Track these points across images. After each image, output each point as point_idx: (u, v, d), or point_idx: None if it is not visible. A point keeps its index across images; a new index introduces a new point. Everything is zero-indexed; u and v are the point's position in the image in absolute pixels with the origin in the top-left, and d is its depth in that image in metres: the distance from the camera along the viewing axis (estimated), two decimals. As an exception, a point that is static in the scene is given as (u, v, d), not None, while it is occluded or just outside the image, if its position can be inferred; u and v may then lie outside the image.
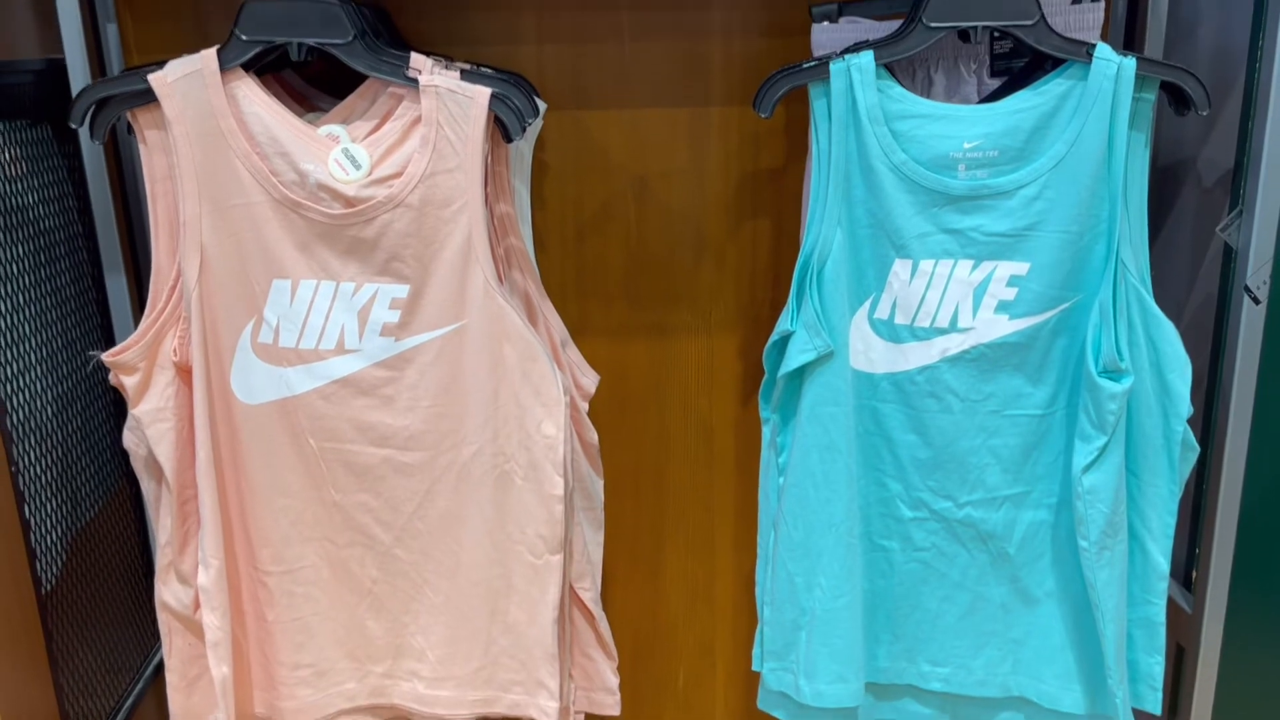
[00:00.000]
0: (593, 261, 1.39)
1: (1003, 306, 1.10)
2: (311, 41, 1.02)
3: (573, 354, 1.23)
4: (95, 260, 1.25)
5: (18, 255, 1.10)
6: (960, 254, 1.09)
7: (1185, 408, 1.08)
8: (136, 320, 1.26)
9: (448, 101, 1.03)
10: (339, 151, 1.04)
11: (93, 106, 1.01)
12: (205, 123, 1.02)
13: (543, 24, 1.30)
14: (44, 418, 1.13)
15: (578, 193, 1.36)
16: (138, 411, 1.08)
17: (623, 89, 1.33)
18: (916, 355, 1.13)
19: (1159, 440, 1.09)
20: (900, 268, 1.10)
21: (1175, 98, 1.05)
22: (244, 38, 1.01)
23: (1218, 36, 1.20)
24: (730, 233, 1.39)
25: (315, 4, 1.02)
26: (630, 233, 1.38)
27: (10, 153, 1.09)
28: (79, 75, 1.18)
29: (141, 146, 1.04)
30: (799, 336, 1.11)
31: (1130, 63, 1.02)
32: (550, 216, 1.37)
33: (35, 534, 1.10)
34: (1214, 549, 1.17)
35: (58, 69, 1.18)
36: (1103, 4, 1.12)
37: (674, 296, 1.40)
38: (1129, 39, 1.29)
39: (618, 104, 1.33)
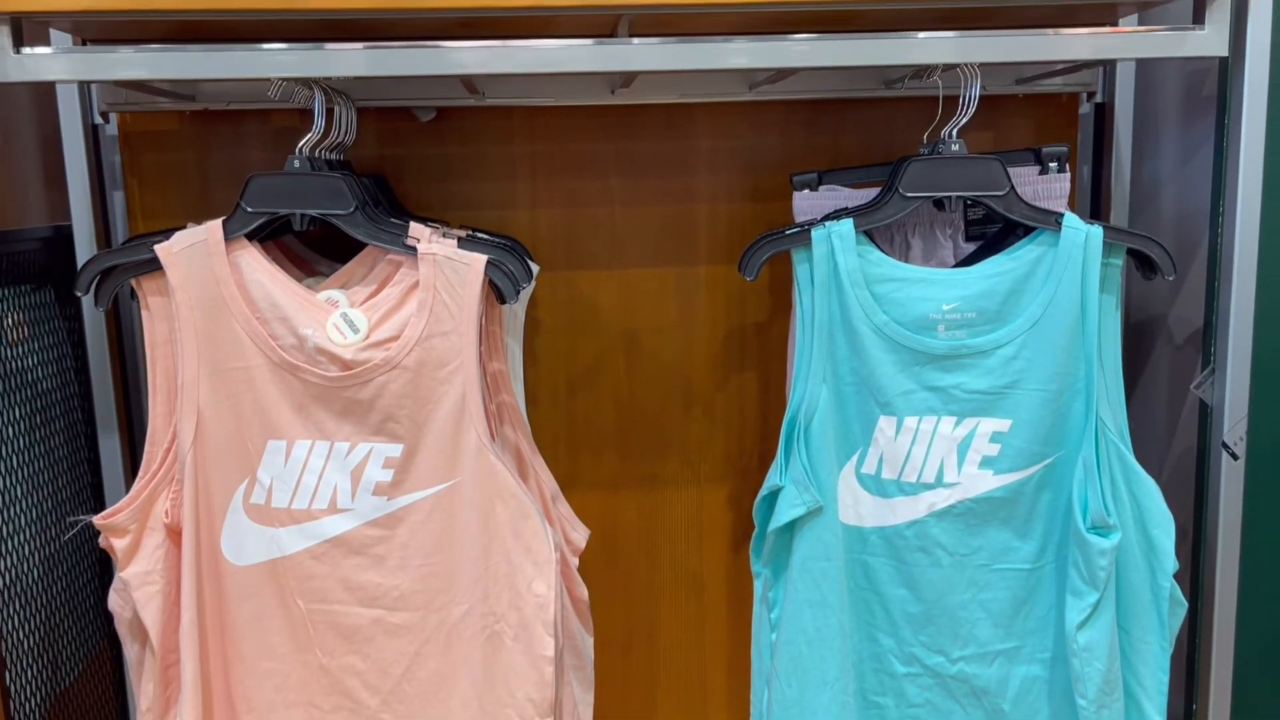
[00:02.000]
0: (584, 415, 1.41)
1: (987, 462, 1.12)
2: (314, 213, 1.07)
3: (563, 508, 1.23)
4: (89, 419, 1.26)
5: (14, 419, 1.11)
6: (943, 411, 1.12)
7: (1171, 563, 1.09)
8: (127, 479, 1.26)
9: (445, 268, 1.06)
10: (338, 316, 1.07)
11: (98, 276, 1.04)
12: (208, 290, 1.05)
13: (536, 189, 1.36)
14: (30, 580, 1.12)
15: (569, 348, 1.39)
16: (126, 574, 1.07)
17: (613, 250, 1.38)
18: (904, 510, 1.14)
19: (1147, 596, 1.10)
20: (885, 424, 1.12)
21: (1142, 263, 1.10)
22: (249, 209, 1.05)
23: (1179, 200, 1.26)
24: (718, 386, 1.41)
25: (319, 177, 1.06)
26: (620, 386, 1.41)
27: (13, 318, 1.12)
28: (85, 241, 1.22)
29: (144, 312, 1.07)
30: (788, 491, 1.12)
31: (1097, 231, 1.07)
32: (543, 371, 1.39)
33: (14, 701, 1.08)
34: (1210, 705, 1.16)
35: (64, 235, 1.22)
36: (1068, 174, 1.18)
37: (663, 449, 1.42)
38: (1095, 202, 1.36)
39: (608, 264, 1.38)
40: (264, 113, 1.28)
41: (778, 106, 1.35)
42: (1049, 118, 1.36)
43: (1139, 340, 1.34)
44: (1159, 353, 1.31)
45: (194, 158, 1.30)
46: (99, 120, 1.25)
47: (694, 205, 1.37)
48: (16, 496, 1.10)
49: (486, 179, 1.35)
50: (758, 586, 1.18)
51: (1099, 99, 1.34)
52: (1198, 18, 1.05)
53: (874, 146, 1.36)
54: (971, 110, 1.08)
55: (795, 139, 1.36)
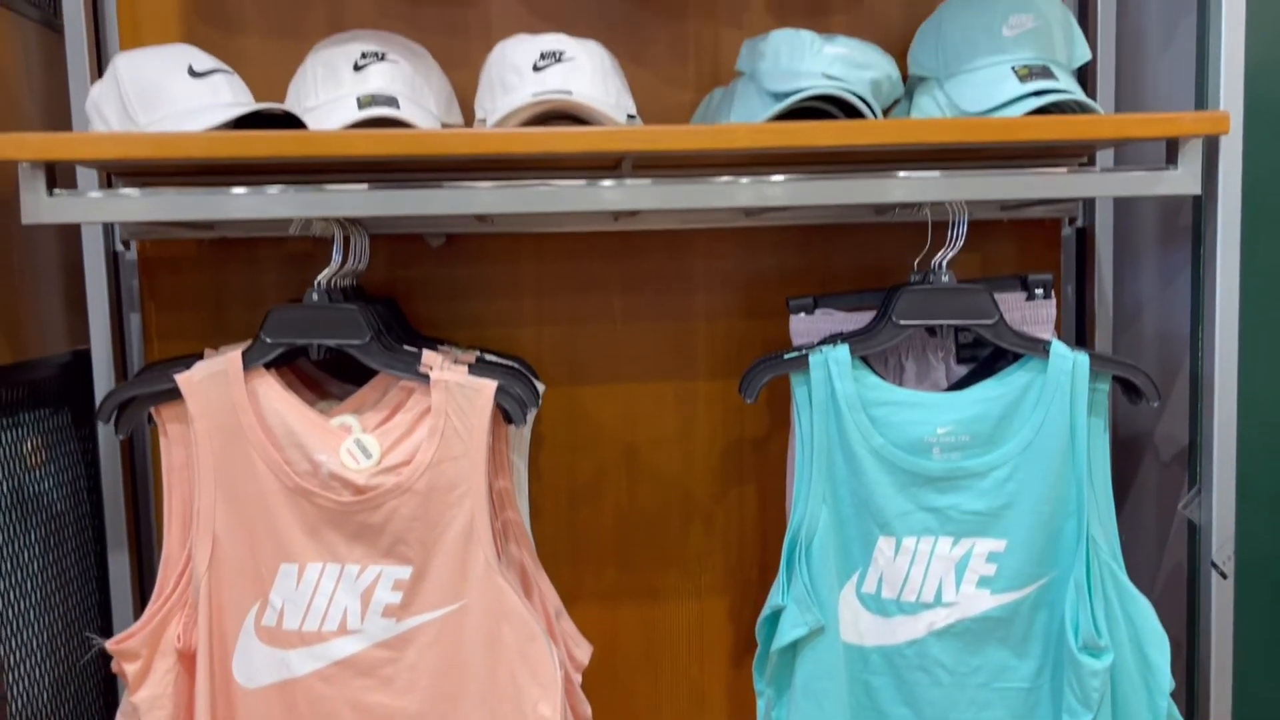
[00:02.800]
0: (585, 528, 1.43)
1: (984, 582, 1.14)
2: (331, 343, 1.10)
3: (567, 625, 1.25)
4: (100, 537, 1.28)
5: (30, 542, 1.13)
6: (940, 531, 1.15)
7: (1167, 682, 1.11)
8: (135, 597, 1.28)
9: (456, 394, 1.10)
10: (351, 441, 1.10)
11: (120, 406, 1.07)
12: (226, 418, 1.09)
13: (542, 308, 1.40)
14: (40, 704, 1.13)
15: (571, 462, 1.42)
16: (136, 699, 1.08)
17: (615, 365, 1.42)
18: (904, 629, 1.16)
19: (1145, 716, 1.11)
20: (884, 544, 1.15)
21: (1127, 388, 1.14)
22: (269, 340, 1.09)
23: (1160, 322, 1.31)
24: (718, 498, 1.44)
25: (335, 309, 1.10)
26: (622, 499, 1.43)
27: (33, 442, 1.15)
28: (103, 364, 1.25)
29: (163, 439, 1.10)
30: (790, 611, 1.14)
31: (1084, 359, 1.11)
32: (545, 485, 1.42)
33: (19, 829, 1.08)
34: (1211, 823, 1.17)
35: (82, 359, 1.25)
36: (1053, 299, 1.23)
37: (664, 561, 1.44)
38: (1080, 322, 1.41)
39: (610, 379, 1.42)
40: (279, 239, 1.33)
41: (772, 230, 1.40)
42: (1033, 241, 1.41)
43: (1127, 456, 1.37)
44: (1147, 469, 1.35)
45: (210, 282, 1.34)
46: (120, 248, 1.29)
47: (693, 323, 1.42)
48: (30, 620, 1.12)
49: (494, 299, 1.39)
50: (761, 706, 1.19)
51: (1080, 224, 1.40)
52: (1171, 158, 1.11)
53: (866, 268, 1.41)
54: (959, 243, 1.14)
55: (790, 260, 1.41)
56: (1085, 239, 1.40)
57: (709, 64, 1.39)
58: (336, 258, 1.12)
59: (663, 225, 1.37)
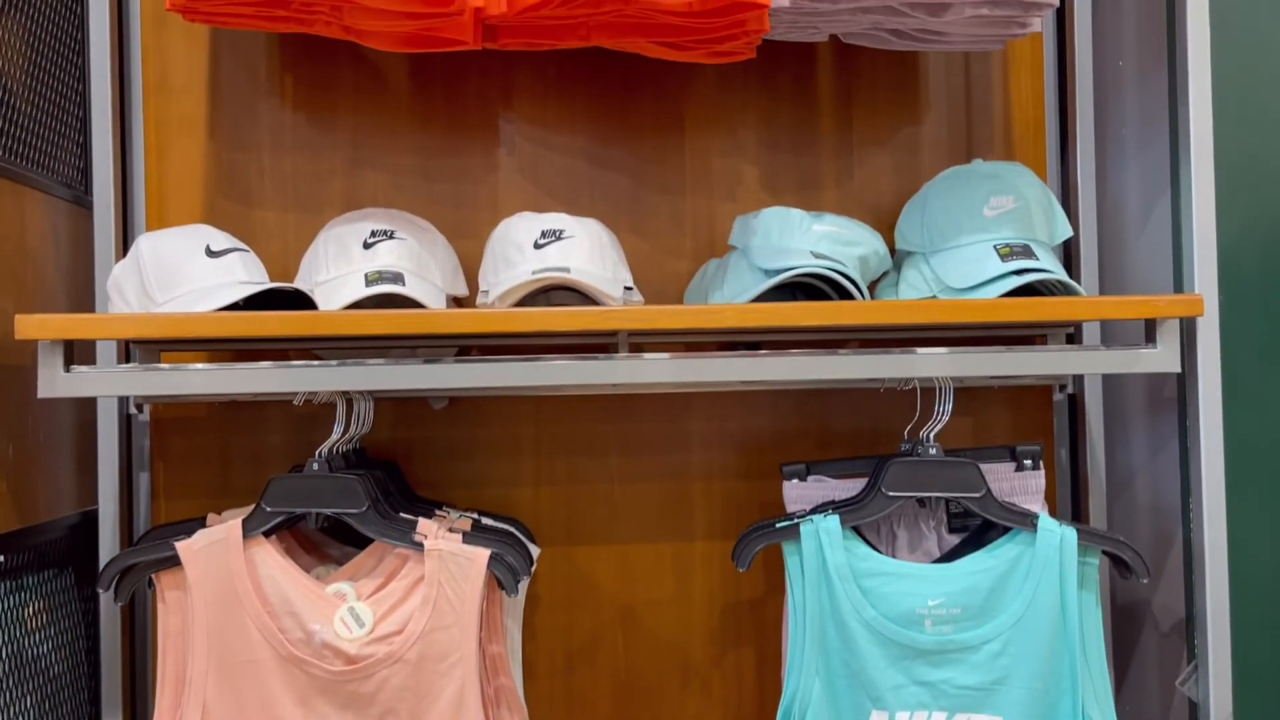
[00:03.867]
0: (582, 691, 1.42)
1: (980, 760, 1.13)
2: (329, 512, 1.13)
3: (560, 795, 1.23)
4: (95, 699, 1.28)
5: (26, 707, 1.14)
6: (934, 706, 1.14)
7: None
8: (127, 760, 1.27)
9: (449, 563, 1.12)
10: (345, 610, 1.11)
11: (120, 574, 1.09)
12: (223, 585, 1.10)
13: (540, 468, 1.43)
14: None
15: (567, 623, 1.42)
16: None
17: (612, 526, 1.43)
18: (900, 808, 1.14)
19: None
20: (878, 719, 1.14)
21: (1117, 563, 1.15)
22: (268, 509, 1.12)
23: (1153, 492, 1.32)
24: (715, 661, 1.43)
25: (334, 479, 1.13)
26: (618, 661, 1.43)
27: (35, 606, 1.16)
28: (109, 526, 1.28)
29: (160, 605, 1.12)
30: (784, 789, 1.13)
31: (1071, 533, 1.12)
32: (540, 646, 1.42)
33: None
34: None
35: (89, 520, 1.28)
36: (1043, 471, 1.25)
37: (661, 726, 1.43)
38: (1074, 487, 1.42)
39: (607, 539, 1.43)
40: (286, 402, 1.37)
41: (769, 394, 1.43)
42: (1025, 406, 1.44)
43: (1127, 625, 1.36)
44: (1146, 640, 1.34)
45: (218, 442, 1.37)
46: (134, 410, 1.34)
47: (690, 484, 1.44)
48: (18, 789, 1.12)
49: (493, 459, 1.42)
50: None
51: (1070, 390, 1.43)
52: (1150, 337, 1.14)
53: (861, 431, 1.44)
54: (945, 418, 1.16)
55: (786, 422, 1.44)
56: (1076, 405, 1.43)
57: (705, 235, 1.45)
58: (338, 429, 1.16)
59: (660, 388, 1.40)
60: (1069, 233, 1.29)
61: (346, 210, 1.37)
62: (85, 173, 1.32)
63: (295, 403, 1.15)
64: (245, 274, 1.16)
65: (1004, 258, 1.21)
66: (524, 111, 1.43)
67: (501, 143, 1.43)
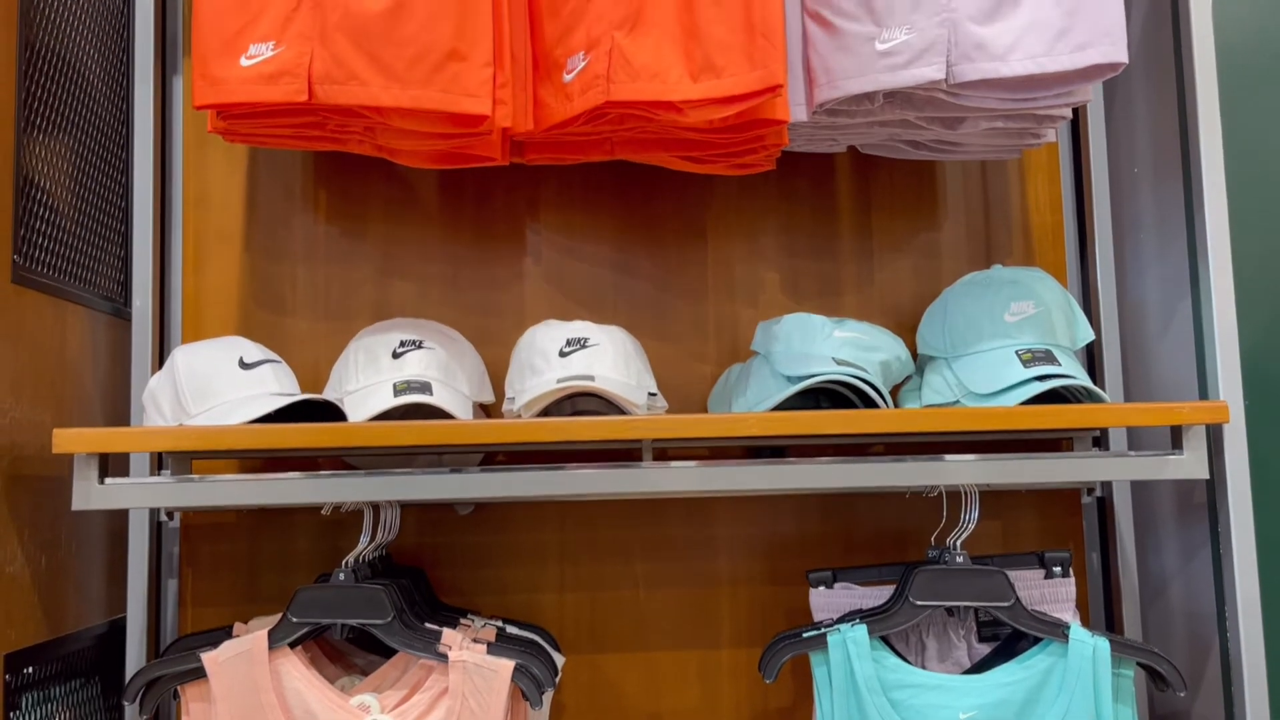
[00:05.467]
0: (607, 803, 1.39)
1: None
2: (354, 622, 1.13)
3: None
4: (116, 811, 1.27)
5: (46, 823, 1.13)
6: (970, 825, 1.10)
7: None
8: None
9: (473, 674, 1.11)
10: (368, 723, 1.11)
11: (145, 686, 1.09)
12: (247, 698, 1.10)
13: (565, 574, 1.42)
14: None
15: (593, 733, 1.41)
16: None
17: (637, 633, 1.42)
18: None
19: None
20: (911, 839, 1.11)
21: (1152, 674, 1.12)
22: (294, 619, 1.12)
23: (1187, 598, 1.30)
24: (743, 773, 1.40)
25: (359, 590, 1.14)
26: (644, 773, 1.40)
27: (62, 716, 1.16)
28: (136, 635, 1.29)
29: (185, 717, 1.11)
30: None
31: (1104, 644, 1.10)
32: (566, 757, 1.40)
33: None
34: None
35: (117, 629, 1.28)
36: (1073, 578, 1.23)
37: (688, 841, 1.39)
38: (1107, 591, 1.40)
39: (633, 647, 1.42)
40: (314, 509, 1.38)
41: (794, 498, 1.43)
42: (1054, 510, 1.43)
43: (1166, 737, 1.33)
44: (1187, 753, 1.30)
45: (246, 549, 1.39)
46: (165, 518, 1.35)
47: (716, 589, 1.43)
48: None
49: (518, 565, 1.42)
50: None
51: (1099, 494, 1.42)
52: (1176, 443, 1.14)
53: (887, 535, 1.43)
54: (973, 526, 1.16)
55: (811, 526, 1.44)
56: (1105, 508, 1.41)
57: (728, 340, 1.46)
58: (365, 539, 1.17)
59: (685, 493, 1.40)
60: (1090, 336, 1.29)
61: (376, 319, 1.40)
62: (125, 285, 1.36)
63: (323, 512, 1.16)
64: (277, 385, 1.18)
65: (1026, 363, 1.21)
66: (550, 220, 1.47)
67: (528, 251, 1.46)
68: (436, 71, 1.12)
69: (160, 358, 1.36)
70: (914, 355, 1.35)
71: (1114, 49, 1.10)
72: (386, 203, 1.46)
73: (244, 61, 1.14)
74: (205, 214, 1.43)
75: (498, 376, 1.35)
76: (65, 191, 1.23)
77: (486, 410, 1.36)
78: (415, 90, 1.12)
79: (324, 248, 1.44)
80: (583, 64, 1.18)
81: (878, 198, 1.48)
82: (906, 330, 1.44)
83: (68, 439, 1.04)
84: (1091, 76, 1.14)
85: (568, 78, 1.20)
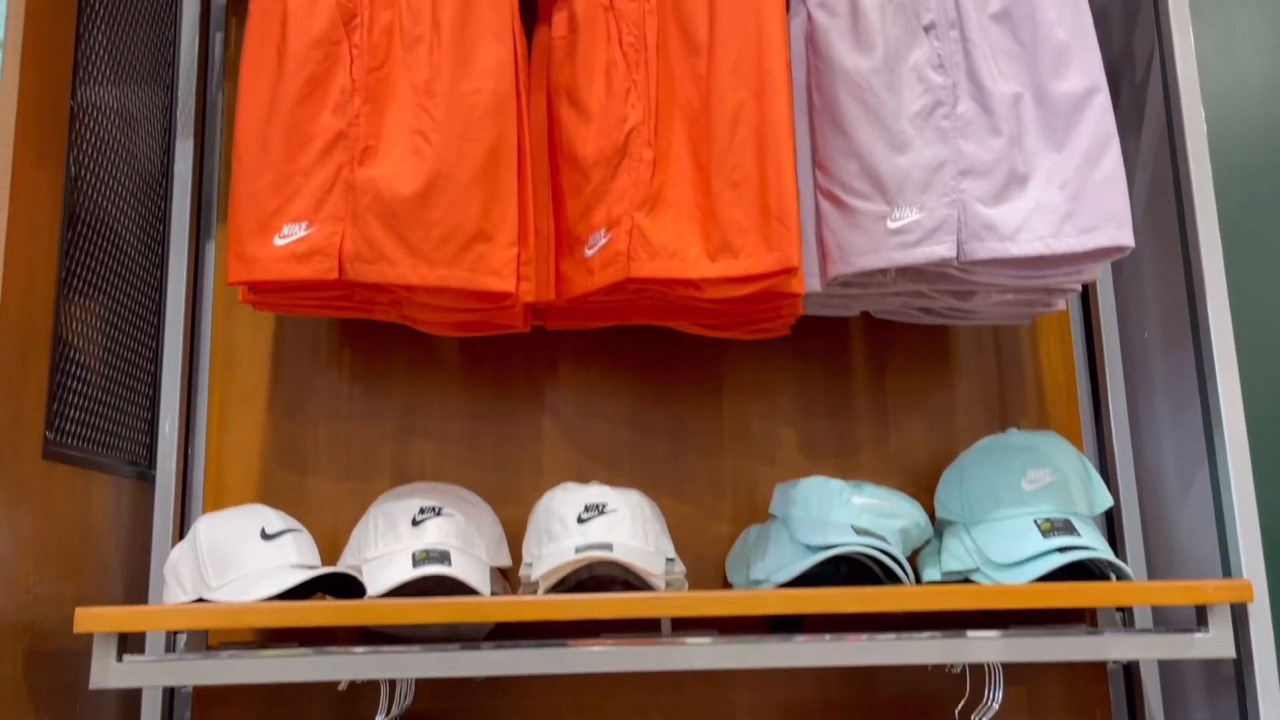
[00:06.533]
0: None
1: None
2: (368, 805, 1.11)
3: None
4: None
5: None
6: None
7: None
8: None
9: None
10: None
11: None
12: None
13: (580, 741, 1.40)
14: None
15: None
16: None
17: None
18: None
19: None
20: None
21: None
22: (307, 801, 1.10)
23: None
24: None
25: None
26: None
27: None
28: (146, 807, 1.26)
29: None
30: None
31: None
32: None
33: None
34: None
35: (127, 801, 1.26)
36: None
37: None
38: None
39: (650, 818, 1.38)
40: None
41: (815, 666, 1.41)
42: (1080, 678, 1.40)
43: None
44: None
45: (259, 714, 1.37)
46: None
47: (736, 747, 1.40)
48: None
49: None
50: None
51: (1125, 662, 1.40)
52: (1201, 620, 1.13)
53: (909, 703, 1.40)
54: (997, 705, 1.14)
55: (831, 693, 1.41)
56: (1132, 676, 1.39)
57: (745, 498, 1.47)
58: (381, 716, 1.15)
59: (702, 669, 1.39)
60: (1109, 503, 1.29)
61: (396, 478, 1.42)
62: (150, 448, 1.38)
63: (340, 688, 1.15)
64: (298, 556, 1.19)
65: (1045, 534, 1.21)
66: (568, 379, 1.49)
67: (546, 409, 1.48)
68: (463, 251, 1.16)
69: (182, 521, 1.37)
70: (932, 517, 1.35)
71: (1120, 233, 1.13)
72: (409, 363, 1.49)
73: (277, 241, 1.18)
74: (231, 376, 1.46)
75: (515, 535, 1.35)
76: (97, 360, 1.26)
77: (504, 574, 1.36)
78: (442, 270, 1.16)
79: (346, 407, 1.46)
80: (604, 240, 1.22)
81: (892, 358, 1.51)
82: (924, 490, 1.44)
83: (89, 618, 1.04)
84: (1099, 258, 1.17)
85: (589, 253, 1.24)
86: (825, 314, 1.41)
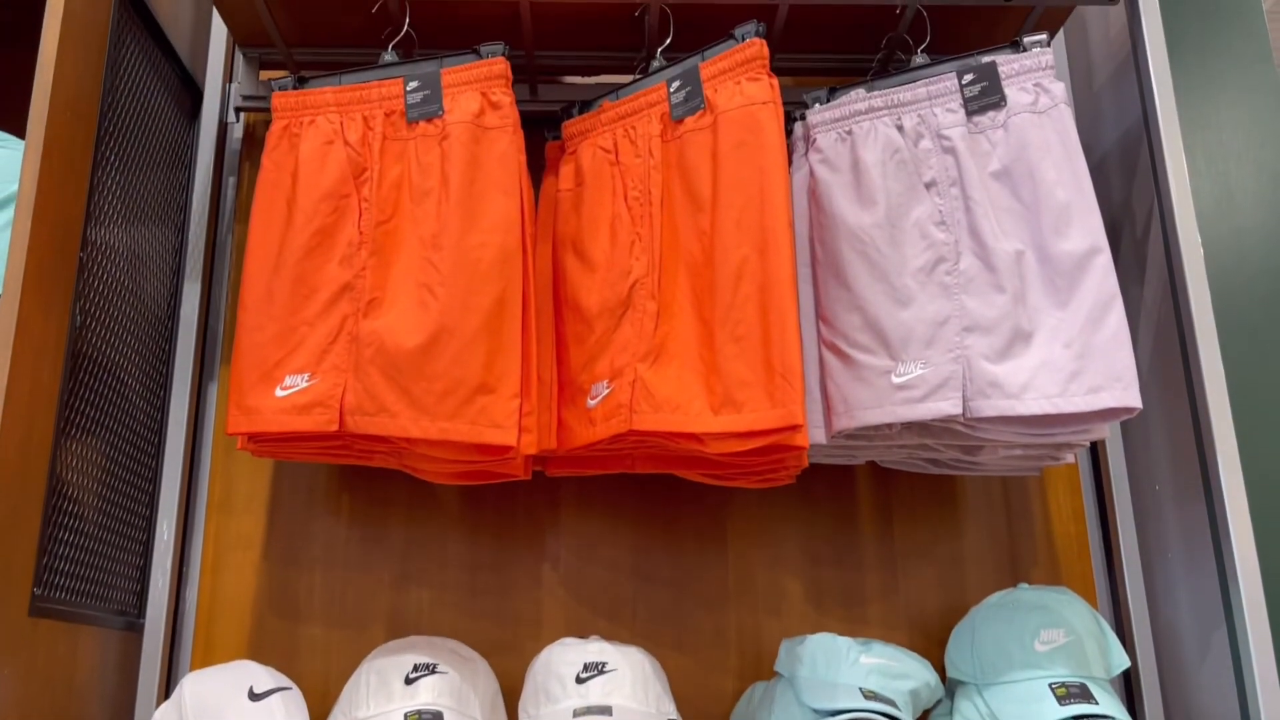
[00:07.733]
0: None
1: None
2: None
3: None
4: None
5: None
6: None
7: None
8: None
9: None
10: None
11: None
12: None
13: None
14: None
15: None
16: None
17: None
18: None
19: None
20: None
21: None
22: None
23: None
24: None
25: None
26: None
27: None
28: None
29: None
30: None
31: None
32: None
33: None
34: None
35: None
36: None
37: None
38: None
39: None
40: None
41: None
42: None
43: None
44: None
45: None
46: None
47: None
48: None
49: None
50: None
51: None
52: (1227, 798, 1.08)
53: None
54: None
55: None
56: None
57: (750, 651, 1.42)
58: None
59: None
60: (1126, 664, 1.25)
61: (391, 625, 1.38)
62: (141, 596, 1.35)
63: None
64: (285, 716, 1.15)
65: (1061, 699, 1.17)
66: (570, 525, 1.46)
67: (546, 557, 1.45)
68: (465, 404, 1.15)
69: (170, 671, 1.33)
70: (942, 674, 1.31)
71: (1126, 394, 1.13)
72: (409, 506, 1.46)
73: (279, 392, 1.18)
74: (228, 518, 1.44)
75: (513, 688, 1.31)
76: (92, 508, 1.24)
77: (500, 732, 1.31)
78: (444, 423, 1.15)
79: (342, 552, 1.44)
80: (606, 391, 1.21)
81: (898, 506, 1.48)
82: (934, 644, 1.40)
83: (65, 788, 1.00)
84: (1107, 418, 1.16)
85: (591, 403, 1.23)
86: (830, 462, 1.39)
